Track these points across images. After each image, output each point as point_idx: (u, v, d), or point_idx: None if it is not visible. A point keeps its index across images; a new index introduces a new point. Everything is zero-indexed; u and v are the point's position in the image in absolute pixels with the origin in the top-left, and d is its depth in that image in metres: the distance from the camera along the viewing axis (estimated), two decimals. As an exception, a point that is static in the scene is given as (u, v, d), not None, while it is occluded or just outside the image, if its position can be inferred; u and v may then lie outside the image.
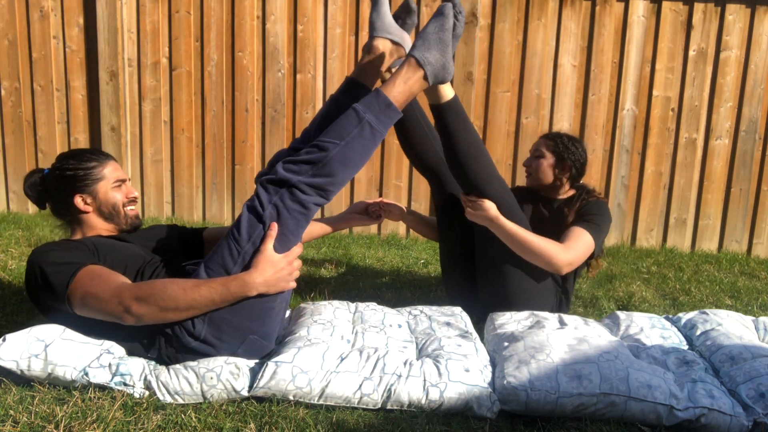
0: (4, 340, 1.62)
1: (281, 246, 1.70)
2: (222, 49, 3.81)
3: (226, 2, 3.76)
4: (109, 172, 1.90)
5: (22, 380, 1.63)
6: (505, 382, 1.64)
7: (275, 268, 1.67)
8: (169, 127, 3.90)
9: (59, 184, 1.88)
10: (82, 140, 3.90)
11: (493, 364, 1.83)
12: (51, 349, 1.61)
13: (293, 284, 1.74)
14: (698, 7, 3.67)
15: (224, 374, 1.62)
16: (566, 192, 2.40)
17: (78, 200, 1.87)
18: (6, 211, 3.95)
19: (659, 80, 3.75)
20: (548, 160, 2.35)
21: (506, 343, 1.87)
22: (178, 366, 1.66)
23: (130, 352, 1.74)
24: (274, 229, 1.67)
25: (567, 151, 2.34)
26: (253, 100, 3.84)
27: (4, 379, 1.64)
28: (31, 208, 3.98)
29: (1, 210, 3.97)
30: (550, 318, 2.10)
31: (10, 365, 1.59)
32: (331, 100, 2.01)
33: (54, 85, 3.87)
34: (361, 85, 1.99)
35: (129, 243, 1.90)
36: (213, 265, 1.69)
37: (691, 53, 3.72)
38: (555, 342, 1.82)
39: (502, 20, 3.71)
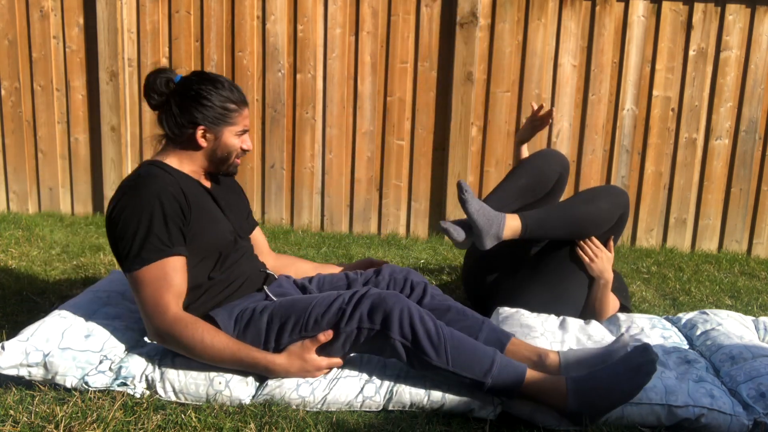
0: (3, 348, 1.60)
1: (322, 350, 1.65)
2: (222, 49, 3.80)
3: (226, 2, 3.76)
4: (241, 119, 1.79)
5: (23, 380, 1.63)
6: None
7: (304, 367, 1.63)
8: (169, 127, 3.90)
9: (188, 105, 1.73)
10: (82, 140, 3.90)
11: None
12: (50, 358, 1.61)
13: (317, 374, 1.66)
14: (698, 7, 3.67)
15: (233, 381, 1.63)
16: None
17: (199, 133, 1.74)
18: (6, 211, 3.95)
19: (659, 80, 3.75)
20: None
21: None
22: (188, 364, 1.65)
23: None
24: (329, 335, 1.62)
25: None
26: (253, 100, 3.84)
27: (4, 379, 1.64)
28: (31, 208, 3.98)
29: (1, 210, 3.97)
30: (552, 318, 2.10)
31: (11, 372, 1.59)
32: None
33: (54, 85, 3.87)
34: None
35: (222, 215, 1.81)
36: (277, 318, 1.67)
37: (691, 53, 3.72)
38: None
39: (502, 20, 3.71)
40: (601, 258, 2.16)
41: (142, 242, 1.59)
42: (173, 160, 1.77)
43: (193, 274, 1.70)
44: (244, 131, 1.81)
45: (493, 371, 1.55)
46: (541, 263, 2.25)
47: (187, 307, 1.68)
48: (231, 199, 1.92)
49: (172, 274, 1.61)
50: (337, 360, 1.66)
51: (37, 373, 1.60)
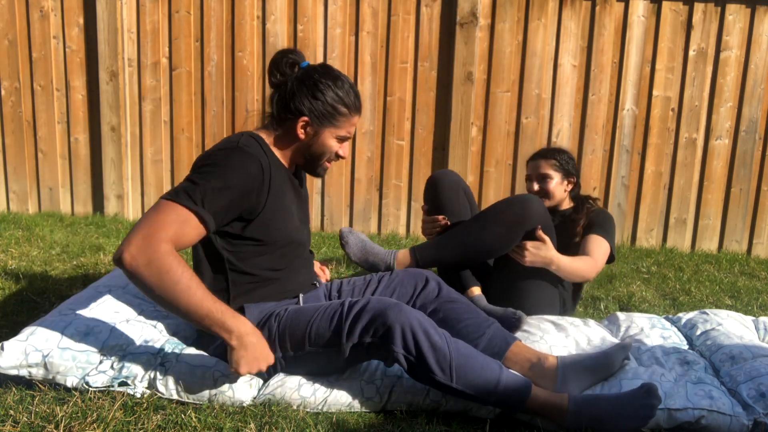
0: (2, 348, 1.59)
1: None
2: (222, 49, 3.80)
3: (226, 2, 3.76)
4: (347, 125, 1.73)
5: (23, 380, 1.63)
6: None
7: (258, 359, 1.54)
8: (169, 127, 3.90)
9: (301, 93, 1.68)
10: (82, 140, 3.90)
11: None
12: (49, 359, 1.60)
13: (237, 369, 1.53)
14: (698, 7, 3.67)
15: (238, 383, 1.63)
16: (568, 203, 2.46)
17: (300, 123, 1.69)
18: (6, 211, 3.95)
19: (659, 80, 3.75)
20: (556, 179, 2.39)
21: None
22: (192, 363, 1.65)
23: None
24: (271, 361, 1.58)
25: (568, 164, 2.41)
26: (253, 100, 3.84)
27: (4, 379, 1.64)
28: (31, 208, 3.98)
29: (1, 210, 3.97)
30: (547, 324, 2.09)
31: (11, 372, 1.59)
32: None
33: (54, 85, 3.87)
34: None
35: (295, 212, 1.78)
36: (285, 327, 1.65)
37: (691, 53, 3.72)
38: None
39: (502, 20, 3.71)
40: (531, 252, 2.10)
41: (203, 188, 1.52)
42: (270, 140, 1.73)
43: (253, 262, 1.68)
44: (346, 138, 1.75)
45: (498, 390, 1.53)
46: (503, 266, 2.24)
47: (237, 293, 1.68)
48: (303, 202, 1.88)
49: (190, 229, 1.52)
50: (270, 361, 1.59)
51: (38, 373, 1.60)
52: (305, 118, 1.68)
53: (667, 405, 1.58)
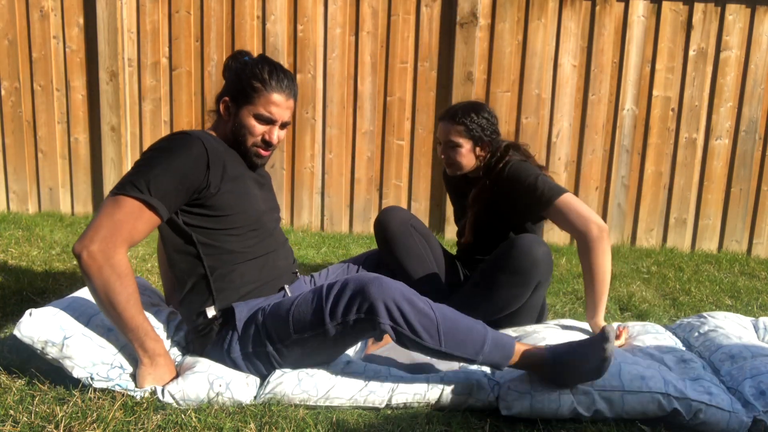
0: (30, 314, 1.59)
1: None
2: (222, 49, 3.80)
3: (226, 2, 3.76)
4: (263, 102, 1.70)
5: (22, 380, 1.63)
6: (507, 387, 1.63)
7: (161, 374, 1.60)
8: (169, 127, 3.90)
9: (230, 77, 1.75)
10: (82, 140, 3.90)
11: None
12: (69, 342, 1.58)
13: (141, 383, 1.61)
14: (698, 7, 3.67)
15: (234, 384, 1.62)
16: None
17: (223, 103, 1.74)
18: (6, 211, 3.94)
19: (659, 80, 3.75)
20: (466, 147, 2.11)
21: None
22: (188, 372, 1.64)
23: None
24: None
25: (480, 128, 2.09)
26: (253, 100, 3.84)
27: (4, 378, 1.64)
28: (31, 208, 3.98)
29: (1, 210, 3.97)
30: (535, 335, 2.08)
31: (26, 341, 1.57)
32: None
33: (54, 85, 3.87)
34: None
35: (257, 192, 1.79)
36: (268, 319, 1.67)
37: (691, 53, 3.72)
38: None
39: (502, 20, 3.71)
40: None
41: (146, 175, 1.56)
42: (215, 132, 1.78)
43: (226, 245, 1.70)
44: (267, 118, 1.71)
45: (484, 350, 1.59)
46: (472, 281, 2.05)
47: (223, 276, 1.69)
48: (265, 187, 1.90)
49: (142, 223, 1.56)
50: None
51: (51, 352, 1.57)
52: (226, 98, 1.73)
53: (665, 389, 1.57)
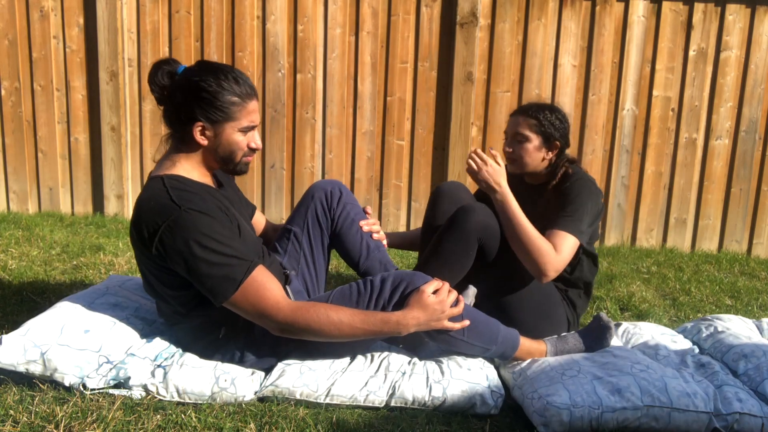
0: (0, 342, 1.59)
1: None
2: (222, 49, 3.81)
3: (226, 2, 3.76)
4: (245, 114, 1.62)
5: (23, 380, 1.63)
6: (546, 402, 1.54)
7: (436, 313, 1.62)
8: (169, 127, 3.90)
9: (187, 97, 1.59)
10: (82, 140, 3.90)
11: (502, 377, 1.81)
12: (48, 356, 1.59)
13: (448, 324, 1.66)
14: (698, 7, 3.67)
15: (239, 378, 1.63)
16: (545, 176, 2.08)
17: (197, 129, 1.60)
18: (6, 211, 3.94)
19: (659, 80, 3.75)
20: (533, 143, 1.99)
21: (524, 363, 1.80)
22: (193, 364, 1.64)
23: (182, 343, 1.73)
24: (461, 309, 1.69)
25: (553, 127, 1.99)
26: (253, 100, 3.84)
27: (4, 378, 1.64)
28: (31, 208, 3.98)
29: (1, 210, 3.97)
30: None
31: (10, 368, 1.59)
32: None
33: (54, 85, 3.87)
34: None
35: (246, 225, 1.76)
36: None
37: (691, 53, 3.72)
38: (578, 355, 1.81)
39: (502, 20, 3.71)
40: (485, 169, 1.86)
41: (223, 263, 1.52)
42: (185, 167, 1.65)
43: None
44: (250, 127, 1.65)
45: (498, 340, 1.76)
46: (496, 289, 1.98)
47: (226, 316, 1.64)
48: (238, 200, 1.85)
49: (264, 279, 1.56)
50: (445, 287, 1.66)
51: (36, 369, 1.59)
52: (199, 123, 1.59)
53: (709, 409, 1.55)
